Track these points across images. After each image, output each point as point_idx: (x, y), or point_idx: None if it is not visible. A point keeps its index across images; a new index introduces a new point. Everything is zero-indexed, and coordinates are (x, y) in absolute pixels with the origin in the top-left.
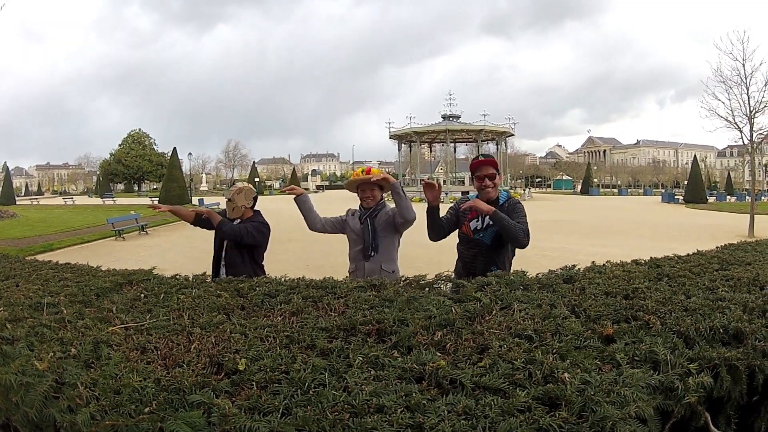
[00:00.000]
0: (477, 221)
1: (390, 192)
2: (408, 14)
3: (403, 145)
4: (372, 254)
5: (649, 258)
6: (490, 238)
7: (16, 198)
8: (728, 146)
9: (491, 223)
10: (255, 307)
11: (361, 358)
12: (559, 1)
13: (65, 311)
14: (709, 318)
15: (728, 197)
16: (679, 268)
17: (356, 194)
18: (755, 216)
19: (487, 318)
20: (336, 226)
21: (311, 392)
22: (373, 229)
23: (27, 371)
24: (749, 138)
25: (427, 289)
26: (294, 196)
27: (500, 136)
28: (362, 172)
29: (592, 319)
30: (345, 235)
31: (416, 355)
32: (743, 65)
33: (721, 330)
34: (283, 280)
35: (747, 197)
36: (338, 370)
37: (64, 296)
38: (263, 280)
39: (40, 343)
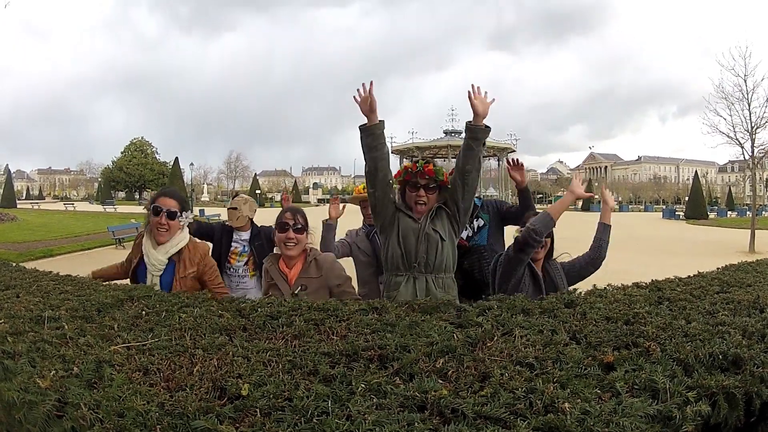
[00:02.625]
0: (466, 229)
1: None
2: (415, 27)
3: (404, 159)
4: None
5: (650, 281)
6: (485, 238)
7: (17, 201)
8: (729, 161)
9: (482, 224)
10: (257, 329)
11: (363, 386)
12: (564, 16)
13: (66, 327)
14: (708, 344)
15: (729, 212)
16: (680, 291)
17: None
18: (756, 231)
19: (489, 344)
20: (344, 250)
21: (315, 420)
22: None
23: (29, 389)
24: (750, 153)
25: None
26: (327, 216)
27: (502, 152)
28: (364, 188)
29: (592, 345)
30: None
31: (418, 382)
32: (745, 81)
33: (720, 356)
34: (284, 301)
35: (748, 212)
36: (341, 397)
37: (65, 310)
38: (265, 300)
39: (41, 360)
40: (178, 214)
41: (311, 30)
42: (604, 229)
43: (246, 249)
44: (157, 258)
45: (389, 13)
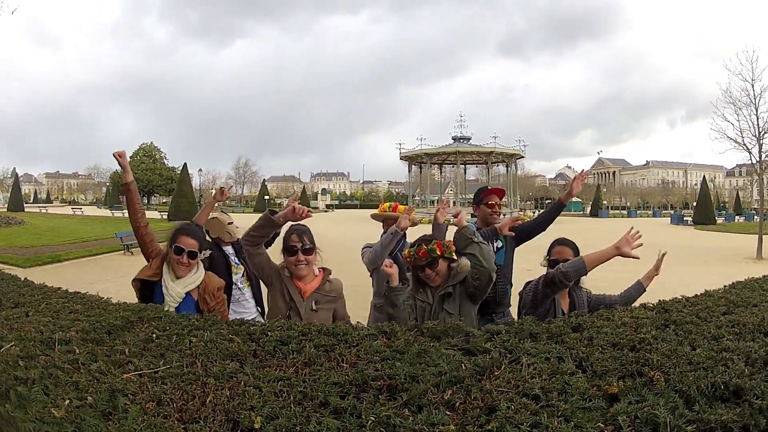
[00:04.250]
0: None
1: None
2: (426, 33)
3: (413, 166)
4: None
5: (657, 301)
6: (502, 258)
7: (25, 205)
8: (737, 165)
9: (500, 246)
10: (268, 355)
11: (373, 419)
12: (573, 21)
13: (78, 350)
14: (711, 373)
15: (737, 217)
16: (687, 313)
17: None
18: (763, 237)
19: (496, 373)
20: (371, 257)
21: None
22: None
23: (45, 419)
24: (758, 159)
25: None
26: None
27: (510, 158)
28: (389, 207)
29: (598, 374)
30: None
31: (426, 415)
32: (752, 86)
33: (722, 386)
34: (293, 324)
35: (755, 217)
36: None
37: (75, 332)
38: (275, 324)
39: (55, 387)
40: (199, 254)
41: (322, 37)
42: (637, 289)
43: (238, 261)
44: (176, 291)
45: (399, 20)
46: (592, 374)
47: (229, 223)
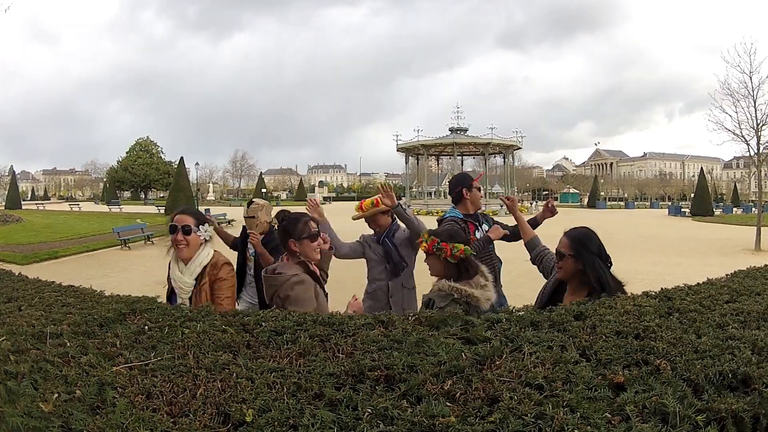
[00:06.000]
0: (478, 231)
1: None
2: (426, 26)
3: (410, 157)
4: (401, 271)
5: (660, 289)
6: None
7: (22, 202)
8: (734, 157)
9: (487, 229)
10: (261, 346)
11: (369, 410)
12: (573, 14)
13: (68, 344)
14: (719, 361)
15: (735, 209)
16: (690, 301)
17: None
18: (762, 228)
19: (498, 362)
20: (357, 251)
21: None
22: (395, 248)
23: (33, 413)
24: (756, 150)
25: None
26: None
27: (507, 150)
28: (356, 209)
29: (602, 363)
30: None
31: (425, 406)
32: (750, 78)
33: (730, 375)
34: (288, 314)
35: (753, 209)
36: (347, 424)
37: (67, 325)
38: (269, 314)
39: (44, 381)
40: (194, 228)
41: (321, 29)
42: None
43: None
44: (184, 281)
45: (399, 12)
46: (597, 363)
47: (249, 218)
